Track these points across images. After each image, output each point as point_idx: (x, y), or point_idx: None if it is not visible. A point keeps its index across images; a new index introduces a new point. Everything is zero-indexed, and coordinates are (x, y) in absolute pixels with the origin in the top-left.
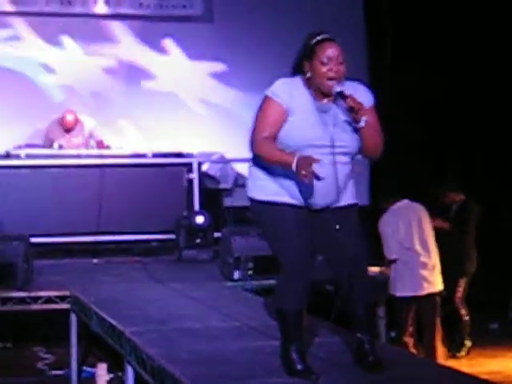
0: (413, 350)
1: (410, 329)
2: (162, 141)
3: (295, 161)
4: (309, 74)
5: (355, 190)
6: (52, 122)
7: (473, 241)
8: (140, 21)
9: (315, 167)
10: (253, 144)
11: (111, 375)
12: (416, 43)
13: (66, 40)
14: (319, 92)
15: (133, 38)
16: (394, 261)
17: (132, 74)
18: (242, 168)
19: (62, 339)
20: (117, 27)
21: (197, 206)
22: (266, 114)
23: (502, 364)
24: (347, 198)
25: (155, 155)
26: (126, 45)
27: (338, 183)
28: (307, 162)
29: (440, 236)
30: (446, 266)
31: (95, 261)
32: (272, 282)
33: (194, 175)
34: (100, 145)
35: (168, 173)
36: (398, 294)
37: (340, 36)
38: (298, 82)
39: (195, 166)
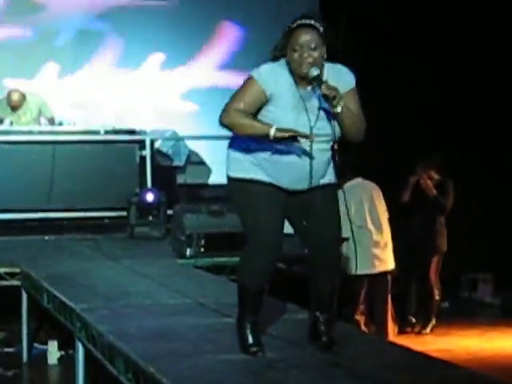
0: (364, 328)
1: (362, 307)
2: (114, 118)
3: (273, 128)
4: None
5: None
6: None
7: (444, 219)
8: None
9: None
10: (224, 113)
11: (62, 352)
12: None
13: None
14: (300, 78)
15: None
16: (346, 239)
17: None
18: (195, 145)
19: (13, 316)
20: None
21: (149, 184)
22: (245, 92)
23: (452, 342)
24: (329, 178)
25: (107, 132)
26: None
27: (313, 170)
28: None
29: (409, 213)
30: (417, 243)
31: (46, 238)
32: (223, 259)
33: (147, 152)
34: (51, 122)
35: (120, 150)
36: (352, 272)
37: None
38: (283, 67)
39: (148, 143)
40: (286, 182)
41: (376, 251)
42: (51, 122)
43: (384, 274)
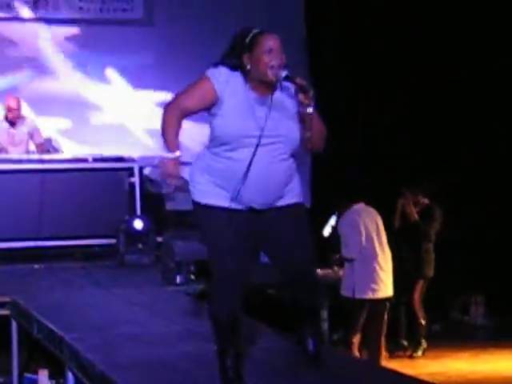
0: (356, 352)
1: (358, 330)
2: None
3: (171, 155)
4: (248, 67)
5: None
6: None
7: (432, 245)
8: (80, 25)
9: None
10: (168, 104)
11: (53, 382)
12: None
13: None
14: (259, 84)
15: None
16: (353, 259)
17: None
18: (184, 171)
19: (3, 346)
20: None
21: (138, 211)
22: (195, 87)
23: (444, 365)
24: (292, 197)
25: (96, 159)
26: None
27: (276, 179)
28: (174, 164)
29: (399, 238)
30: (405, 268)
31: (36, 266)
32: None
33: (136, 179)
34: (39, 148)
35: (109, 177)
36: (357, 296)
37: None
38: (237, 74)
39: (136, 170)
40: (245, 196)
41: (382, 275)
42: (39, 147)
43: (386, 299)
